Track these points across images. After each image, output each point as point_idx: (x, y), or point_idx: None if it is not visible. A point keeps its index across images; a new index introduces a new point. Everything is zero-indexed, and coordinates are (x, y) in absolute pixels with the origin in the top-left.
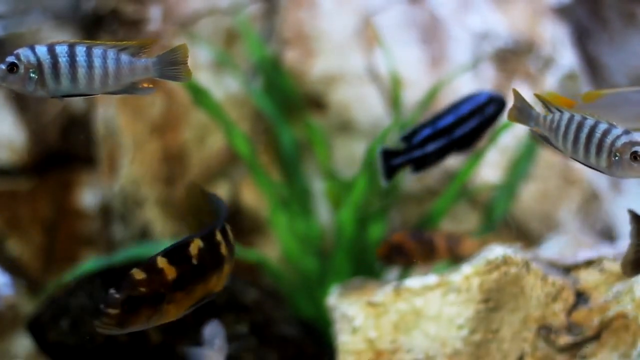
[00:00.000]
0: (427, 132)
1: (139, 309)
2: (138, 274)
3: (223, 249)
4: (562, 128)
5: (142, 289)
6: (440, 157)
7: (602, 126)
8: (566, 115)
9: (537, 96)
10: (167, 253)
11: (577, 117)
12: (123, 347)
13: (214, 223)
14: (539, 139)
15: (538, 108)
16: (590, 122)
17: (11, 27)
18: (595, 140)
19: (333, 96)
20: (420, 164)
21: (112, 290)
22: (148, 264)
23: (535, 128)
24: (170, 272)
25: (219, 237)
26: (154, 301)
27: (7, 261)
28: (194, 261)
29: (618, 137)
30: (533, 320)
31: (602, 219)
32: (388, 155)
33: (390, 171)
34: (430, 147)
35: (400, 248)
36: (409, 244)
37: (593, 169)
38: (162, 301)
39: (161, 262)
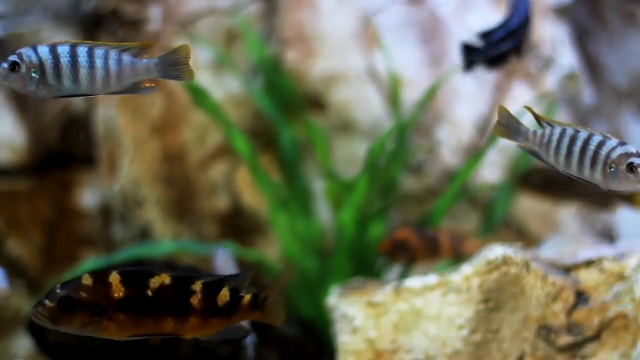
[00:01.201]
0: (500, 33)
1: (74, 312)
2: (86, 279)
3: (194, 301)
4: (554, 142)
5: (83, 294)
6: (507, 58)
7: (597, 138)
8: (558, 129)
9: (528, 109)
10: (124, 272)
11: (570, 131)
12: (123, 347)
13: (203, 274)
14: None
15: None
16: (583, 134)
17: (11, 27)
18: (589, 153)
19: (333, 96)
20: (493, 61)
21: (58, 285)
22: (100, 274)
23: (523, 144)
24: (118, 291)
25: (197, 287)
26: (92, 311)
27: (7, 261)
28: (149, 292)
29: (613, 148)
30: (533, 320)
31: (602, 219)
32: (469, 49)
33: (470, 64)
34: (503, 47)
35: (404, 244)
36: (414, 240)
37: (587, 182)
38: (102, 315)
39: (114, 277)
